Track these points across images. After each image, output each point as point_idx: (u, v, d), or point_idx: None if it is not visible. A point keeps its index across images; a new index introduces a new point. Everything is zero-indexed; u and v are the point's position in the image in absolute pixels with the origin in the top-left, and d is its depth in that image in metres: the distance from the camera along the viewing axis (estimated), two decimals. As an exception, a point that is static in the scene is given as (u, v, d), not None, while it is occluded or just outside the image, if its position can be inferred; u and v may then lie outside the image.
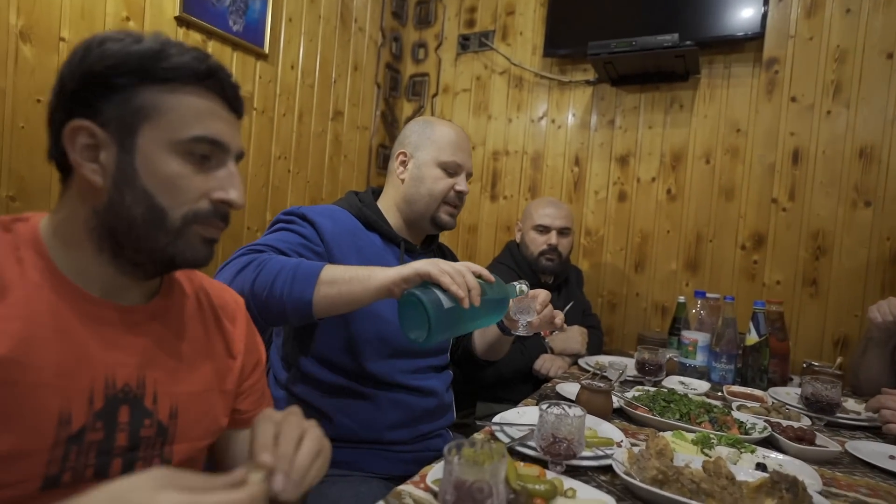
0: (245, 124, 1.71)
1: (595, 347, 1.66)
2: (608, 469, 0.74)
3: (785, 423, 0.97)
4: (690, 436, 0.86)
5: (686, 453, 0.79)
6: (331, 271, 0.80)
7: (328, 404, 0.96)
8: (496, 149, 2.32)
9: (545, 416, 0.72)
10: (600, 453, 0.77)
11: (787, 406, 1.13)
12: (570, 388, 1.17)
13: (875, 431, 1.03)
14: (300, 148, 1.94)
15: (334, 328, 0.96)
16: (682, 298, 1.62)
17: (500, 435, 0.84)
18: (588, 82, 2.14)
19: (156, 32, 0.54)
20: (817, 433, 0.91)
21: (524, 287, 0.89)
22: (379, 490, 0.90)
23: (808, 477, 0.73)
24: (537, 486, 0.63)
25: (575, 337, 1.55)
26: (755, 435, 0.90)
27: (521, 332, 0.95)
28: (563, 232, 1.64)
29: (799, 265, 1.78)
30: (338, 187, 2.13)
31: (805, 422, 1.02)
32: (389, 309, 0.95)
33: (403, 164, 1.09)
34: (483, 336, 1.18)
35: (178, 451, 0.57)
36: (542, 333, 0.98)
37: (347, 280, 0.79)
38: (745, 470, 0.74)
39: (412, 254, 1.07)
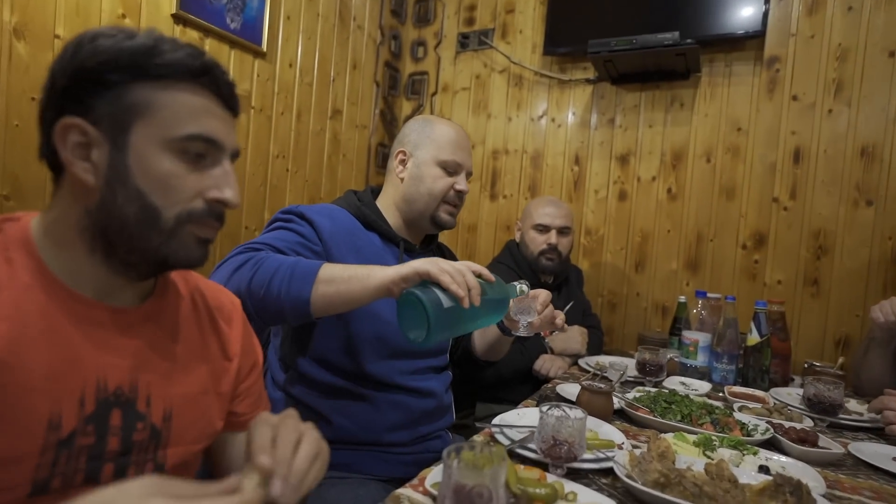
0: (243, 123, 1.70)
1: (595, 348, 1.65)
2: (609, 472, 0.73)
3: (787, 424, 0.96)
4: (692, 437, 0.85)
5: (688, 455, 0.79)
6: (329, 270, 0.79)
7: (326, 405, 0.95)
8: (496, 148, 2.31)
9: (546, 418, 0.71)
10: (601, 456, 0.77)
11: (790, 407, 1.12)
12: (570, 389, 1.16)
13: (878, 433, 1.03)
14: (298, 147, 1.93)
15: (333, 328, 0.95)
16: (682, 298, 1.62)
17: (499, 437, 0.83)
18: (588, 81, 2.13)
19: (150, 29, 0.53)
20: (820, 435, 0.91)
21: (524, 287, 0.88)
22: (378, 492, 0.89)
23: (812, 480, 0.72)
24: (538, 490, 0.63)
25: (575, 337, 1.54)
26: (757, 437, 0.90)
27: (521, 332, 0.94)
28: (563, 231, 1.63)
29: (800, 265, 1.77)
30: (336, 186, 2.12)
31: (807, 423, 1.02)
32: (388, 309, 0.94)
33: (403, 163, 1.08)
34: (483, 336, 1.17)
35: (172, 454, 0.56)
36: (542, 333, 0.97)
37: (346, 279, 0.78)
38: (747, 472, 0.73)
39: (411, 253, 1.06)
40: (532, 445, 0.76)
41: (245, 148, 1.71)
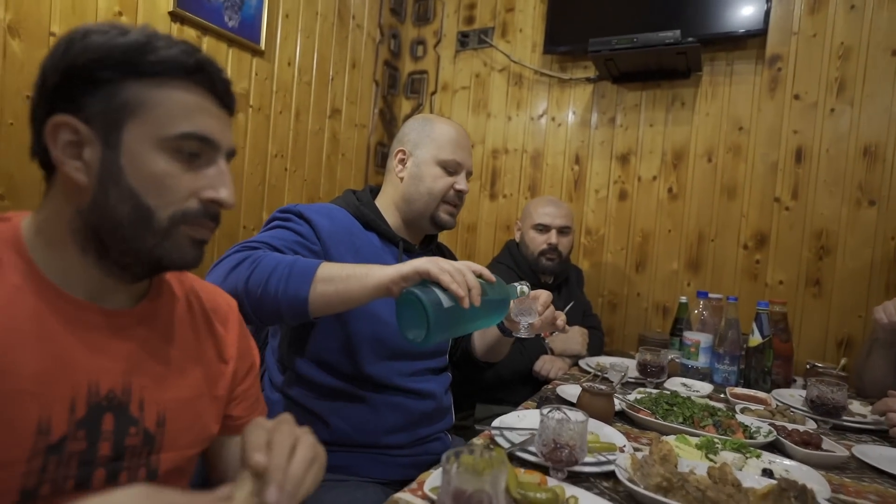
0: (241, 122, 1.69)
1: (595, 348, 1.65)
2: (611, 475, 0.72)
3: (790, 426, 0.95)
4: (694, 440, 0.84)
5: (690, 458, 0.78)
6: (328, 269, 0.78)
7: (324, 407, 0.94)
8: (495, 147, 2.30)
9: (546, 421, 0.70)
10: (602, 459, 0.76)
11: (792, 409, 1.11)
12: (570, 390, 1.15)
13: (882, 435, 1.02)
14: (297, 146, 1.91)
15: (331, 329, 0.94)
16: (683, 299, 1.61)
17: (499, 440, 0.82)
18: (588, 80, 2.12)
19: (143, 25, 0.52)
20: (823, 437, 0.90)
21: (525, 288, 0.87)
22: (376, 495, 0.88)
23: (816, 483, 0.71)
24: (538, 495, 0.62)
25: (575, 338, 1.53)
26: (760, 439, 0.89)
27: (522, 333, 0.93)
28: (563, 231, 1.62)
29: (802, 265, 1.76)
30: (335, 186, 2.11)
31: (810, 425, 1.01)
32: (387, 310, 0.93)
33: (402, 162, 1.07)
34: (483, 337, 1.16)
35: (166, 459, 0.55)
36: (543, 334, 0.96)
37: (345, 278, 0.76)
38: (751, 476, 0.72)
39: (410, 253, 1.05)
40: (532, 448, 0.75)
41: (243, 147, 1.70)
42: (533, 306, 0.92)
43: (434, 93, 2.43)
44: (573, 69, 2.15)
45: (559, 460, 0.69)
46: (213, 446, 0.65)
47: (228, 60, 1.62)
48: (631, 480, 0.68)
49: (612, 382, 1.18)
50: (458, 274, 0.74)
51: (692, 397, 1.07)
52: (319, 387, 0.95)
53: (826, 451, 0.86)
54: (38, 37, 1.18)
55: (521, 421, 0.91)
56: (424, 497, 0.64)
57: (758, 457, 0.81)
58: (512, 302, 0.88)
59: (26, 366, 0.46)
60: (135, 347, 0.54)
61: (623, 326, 2.05)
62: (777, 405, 1.13)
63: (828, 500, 0.66)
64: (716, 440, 0.84)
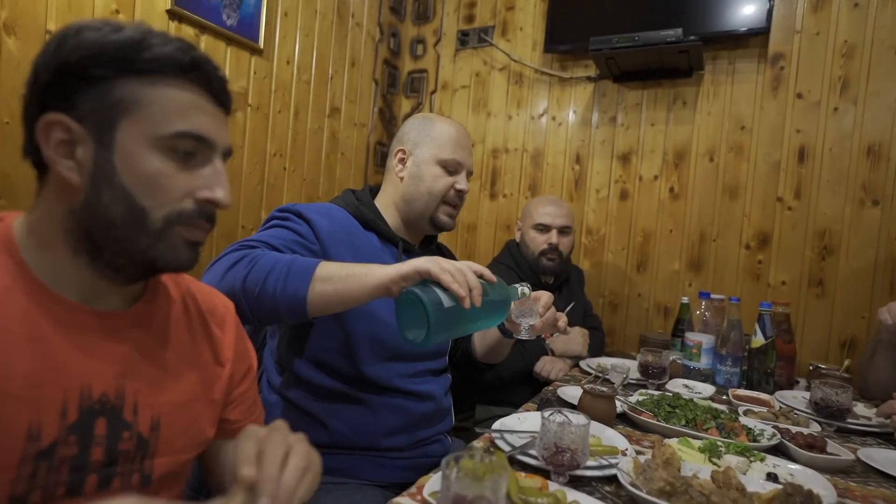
0: (240, 121, 1.68)
1: (596, 349, 1.63)
2: (613, 479, 0.71)
3: (794, 429, 0.94)
4: (697, 443, 0.83)
5: (693, 462, 0.77)
6: (327, 268, 0.77)
7: (323, 409, 0.93)
8: (496, 146, 2.29)
9: (548, 424, 0.69)
10: (604, 462, 0.75)
11: (796, 411, 1.10)
12: (571, 392, 1.14)
13: (888, 438, 1.01)
14: (296, 145, 1.90)
15: (330, 329, 0.93)
16: (685, 299, 1.59)
17: (500, 443, 0.81)
18: (589, 78, 2.11)
19: (138, 22, 0.51)
20: (828, 440, 0.88)
21: (526, 289, 0.86)
22: (375, 498, 0.88)
23: (821, 488, 0.70)
24: (540, 500, 0.61)
25: (576, 339, 1.52)
26: (764, 442, 0.88)
27: (523, 335, 0.92)
28: (563, 231, 1.61)
29: (805, 265, 1.75)
30: (335, 185, 2.10)
31: (814, 427, 0.99)
32: (387, 310, 0.92)
33: (402, 161, 1.06)
34: (483, 339, 1.15)
35: (160, 464, 0.54)
36: (543, 335, 0.95)
37: (344, 277, 0.75)
38: (755, 480, 0.71)
39: (410, 254, 1.04)
40: (533, 452, 0.74)
41: (242, 146, 1.69)
42: (534, 308, 0.91)
43: (434, 92, 2.42)
44: (574, 68, 2.14)
45: (561, 464, 0.68)
46: (210, 450, 0.64)
47: (227, 59, 1.61)
48: (633, 485, 0.67)
49: (613, 384, 1.17)
50: (459, 274, 0.73)
51: (694, 399, 1.06)
52: (318, 388, 0.94)
53: (831, 454, 0.85)
54: (35, 35, 1.17)
55: (522, 423, 0.90)
56: (424, 502, 0.63)
57: (762, 460, 0.80)
58: (513, 303, 0.87)
59: (16, 369, 0.45)
60: (129, 350, 0.53)
61: (624, 327, 2.04)
62: (780, 407, 1.12)
63: (834, 505, 0.65)
64: (719, 443, 0.83)
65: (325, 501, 0.84)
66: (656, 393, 1.11)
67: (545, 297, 0.93)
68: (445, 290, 0.71)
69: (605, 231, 2.08)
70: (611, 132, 2.08)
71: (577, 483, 0.70)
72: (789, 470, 0.77)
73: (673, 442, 0.83)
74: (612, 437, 0.86)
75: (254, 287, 0.76)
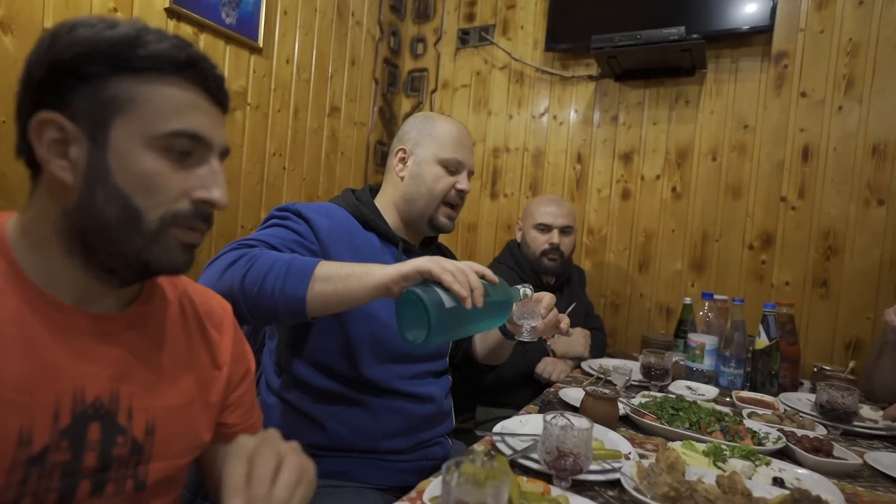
0: (239, 120, 1.67)
1: (598, 350, 1.62)
2: (616, 484, 0.70)
3: (800, 432, 0.93)
4: (701, 446, 0.82)
5: (697, 466, 0.76)
6: (326, 267, 0.76)
7: (321, 411, 0.92)
8: (496, 146, 2.28)
9: (550, 428, 0.68)
10: (607, 467, 0.73)
11: (801, 414, 1.09)
12: (573, 394, 1.13)
13: (894, 441, 0.99)
14: (296, 144, 1.89)
15: (329, 330, 0.92)
16: (688, 300, 1.58)
17: (501, 446, 0.80)
18: (591, 77, 2.09)
19: (133, 19, 0.50)
20: (834, 443, 0.87)
21: (528, 291, 0.85)
22: (374, 501, 0.87)
23: (829, 493, 0.69)
24: (542, 506, 0.59)
25: (578, 339, 1.51)
26: (769, 446, 0.86)
27: (524, 337, 0.91)
28: (565, 231, 1.60)
29: (809, 266, 1.73)
30: (334, 185, 2.09)
31: (820, 430, 0.98)
32: (387, 311, 0.91)
33: (402, 161, 1.04)
34: (484, 340, 1.14)
35: (155, 469, 0.53)
36: (545, 336, 0.94)
37: (344, 277, 0.74)
38: (761, 485, 0.70)
39: (410, 254, 1.03)
40: (535, 455, 0.73)
41: (241, 145, 1.68)
42: (536, 309, 0.90)
43: (434, 91, 2.41)
44: (575, 67, 2.13)
45: (563, 469, 0.67)
46: (207, 454, 0.63)
47: (226, 58, 1.60)
48: (637, 490, 0.66)
49: (615, 386, 1.16)
50: (461, 274, 0.72)
51: (698, 401, 1.04)
52: (317, 390, 0.93)
53: (838, 458, 0.83)
54: (31, 33, 1.16)
55: (524, 426, 0.89)
56: (424, 507, 0.62)
57: (767, 464, 0.78)
58: (514, 304, 0.86)
59: (7, 372, 0.44)
60: (123, 353, 0.52)
61: (626, 328, 2.03)
62: (785, 410, 1.11)
63: (842, 510, 0.64)
64: (724, 447, 0.82)
65: (325, 505, 0.83)
66: (659, 395, 1.09)
67: (547, 298, 0.92)
68: (447, 290, 0.70)
69: (607, 231, 2.07)
70: (612, 131, 2.06)
71: (580, 488, 0.69)
72: (795, 474, 0.76)
73: (676, 445, 0.82)
74: (615, 439, 0.85)
75: (252, 286, 0.74)
